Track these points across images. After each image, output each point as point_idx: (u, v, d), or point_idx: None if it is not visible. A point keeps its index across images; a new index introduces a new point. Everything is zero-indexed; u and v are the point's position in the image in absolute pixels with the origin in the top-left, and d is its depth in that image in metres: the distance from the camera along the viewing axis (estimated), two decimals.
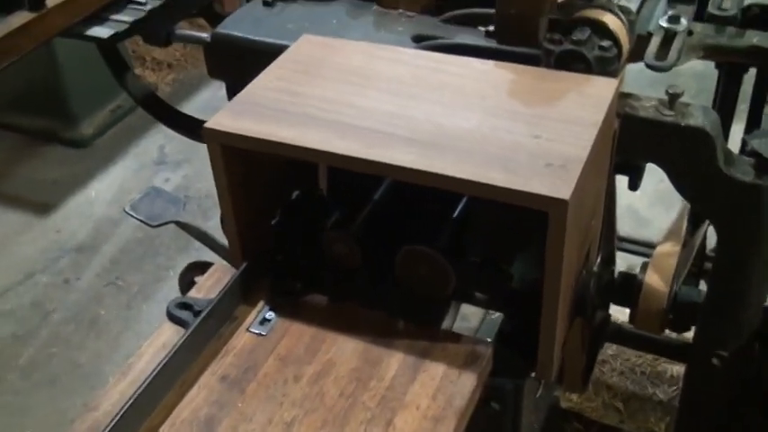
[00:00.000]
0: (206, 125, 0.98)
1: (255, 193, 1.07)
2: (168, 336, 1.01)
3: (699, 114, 1.04)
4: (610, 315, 1.51)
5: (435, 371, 0.95)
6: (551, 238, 0.87)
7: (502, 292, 1.05)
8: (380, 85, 1.03)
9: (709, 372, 1.21)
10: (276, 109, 1.00)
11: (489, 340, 1.01)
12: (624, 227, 2.07)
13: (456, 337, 0.99)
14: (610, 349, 2.04)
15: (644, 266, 1.36)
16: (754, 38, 1.18)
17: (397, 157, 0.90)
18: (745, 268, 1.12)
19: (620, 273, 1.39)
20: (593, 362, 1.66)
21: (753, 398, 1.30)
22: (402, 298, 1.04)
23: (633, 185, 1.16)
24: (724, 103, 1.45)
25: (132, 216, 2.25)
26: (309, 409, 0.92)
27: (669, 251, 1.39)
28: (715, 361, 1.20)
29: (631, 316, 1.36)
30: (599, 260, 1.40)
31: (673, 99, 1.04)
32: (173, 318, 1.03)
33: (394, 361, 0.97)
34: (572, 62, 1.03)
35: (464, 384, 0.94)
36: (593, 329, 1.47)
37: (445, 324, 1.26)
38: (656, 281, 1.32)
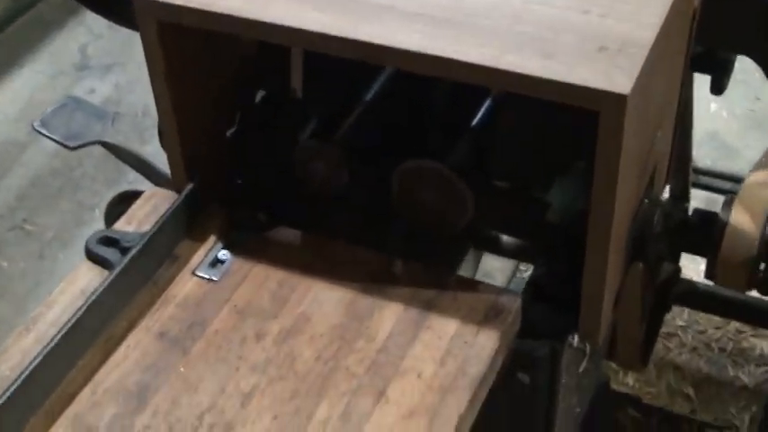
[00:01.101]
0: None
1: (205, 93, 1.06)
2: (88, 280, 1.01)
3: None
4: (680, 269, 1.51)
5: (444, 328, 0.95)
6: (603, 148, 0.85)
7: (535, 227, 1.04)
8: None
9: None
10: None
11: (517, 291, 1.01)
12: (705, 158, 2.06)
13: (472, 285, 0.99)
14: (679, 318, 2.04)
15: (728, 202, 1.35)
16: None
17: (396, 37, 0.88)
18: None
19: (696, 210, 1.38)
20: (657, 332, 1.65)
21: None
22: (402, 232, 1.03)
23: (718, 87, 1.15)
24: None
25: (43, 134, 2.23)
26: (275, 377, 0.92)
27: (763, 181, 1.38)
28: None
29: (709, 268, 1.35)
30: (668, 192, 1.39)
31: None
32: (93, 257, 1.03)
33: (389, 315, 0.97)
34: None
35: (483, 346, 0.94)
36: (658, 287, 1.47)
37: None
38: (744, 221, 1.31)
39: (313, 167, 1.08)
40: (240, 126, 1.12)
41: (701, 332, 2.02)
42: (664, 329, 2.03)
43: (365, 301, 0.98)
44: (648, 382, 1.94)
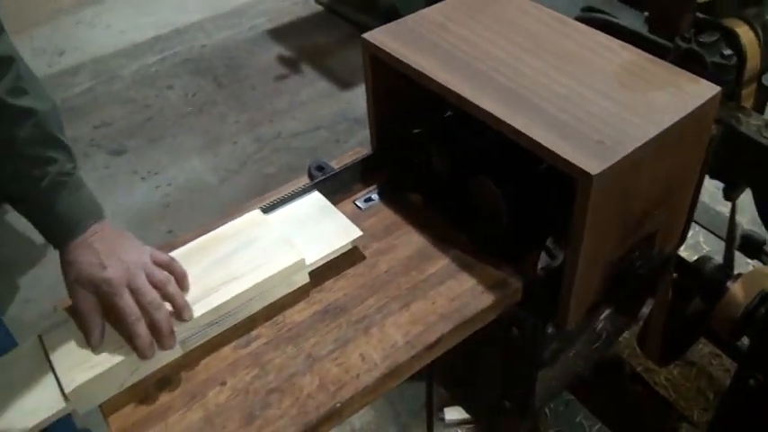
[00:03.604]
0: (363, 36, 0.98)
1: (397, 100, 1.05)
2: (301, 183, 1.06)
3: None
4: (708, 309, 1.33)
5: (466, 282, 0.92)
6: (577, 206, 0.78)
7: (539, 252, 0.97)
8: (513, 37, 0.96)
9: (745, 389, 1.04)
10: (420, 35, 0.98)
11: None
12: None
13: (497, 265, 0.94)
14: None
15: (736, 277, 1.18)
16: None
17: (481, 99, 0.85)
18: None
19: (717, 274, 1.22)
20: (684, 346, 1.48)
21: None
22: (473, 218, 1.00)
23: (727, 195, 0.99)
24: None
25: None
26: (358, 273, 0.94)
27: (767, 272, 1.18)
28: (752, 382, 1.02)
29: (709, 315, 1.19)
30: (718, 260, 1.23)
31: None
32: (310, 173, 1.08)
33: (440, 263, 0.95)
34: (691, 62, 0.89)
35: (481, 301, 0.90)
36: (682, 316, 1.32)
37: None
38: (739, 293, 1.14)
39: (434, 162, 1.06)
40: (424, 128, 1.11)
41: None
42: (714, 352, 1.80)
43: (431, 249, 0.97)
44: (686, 379, 1.73)
